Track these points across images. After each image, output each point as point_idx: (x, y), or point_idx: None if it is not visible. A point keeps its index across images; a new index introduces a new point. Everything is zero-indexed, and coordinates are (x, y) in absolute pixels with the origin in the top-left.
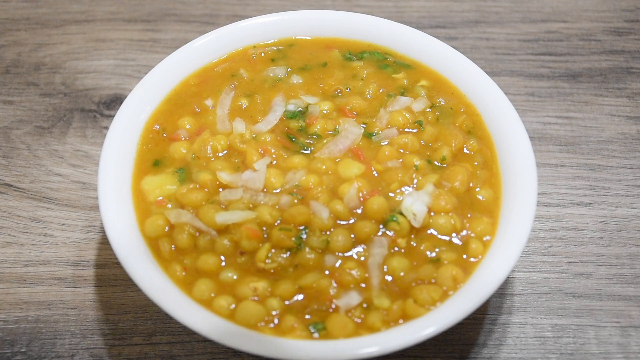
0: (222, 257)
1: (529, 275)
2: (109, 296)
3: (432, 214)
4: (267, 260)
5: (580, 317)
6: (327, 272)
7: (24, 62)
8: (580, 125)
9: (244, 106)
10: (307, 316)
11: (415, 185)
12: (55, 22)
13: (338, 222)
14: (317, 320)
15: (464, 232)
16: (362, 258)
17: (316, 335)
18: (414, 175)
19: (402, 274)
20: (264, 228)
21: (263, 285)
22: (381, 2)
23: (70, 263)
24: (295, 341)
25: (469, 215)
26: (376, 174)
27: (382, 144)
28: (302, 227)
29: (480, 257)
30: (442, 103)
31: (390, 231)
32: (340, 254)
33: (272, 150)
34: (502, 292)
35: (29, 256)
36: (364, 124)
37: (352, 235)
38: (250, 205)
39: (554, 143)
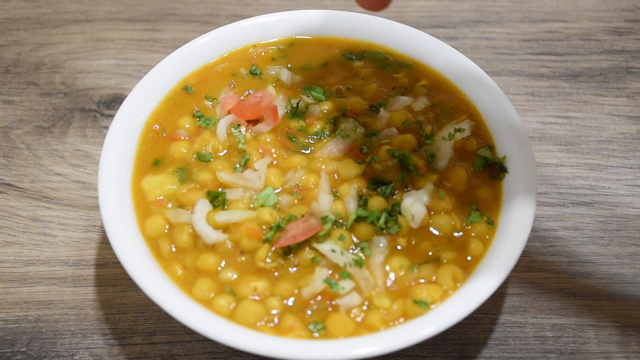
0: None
1: (529, 275)
2: (109, 296)
3: (432, 213)
4: (267, 260)
5: (580, 316)
6: (329, 272)
7: (24, 61)
8: (580, 125)
9: None
10: (307, 315)
11: (414, 185)
12: (55, 21)
13: (339, 221)
14: (317, 319)
15: (464, 232)
16: (363, 258)
17: (316, 334)
18: (414, 174)
19: (402, 273)
20: (264, 227)
21: (263, 284)
22: None
23: (70, 263)
24: (295, 341)
25: (469, 215)
26: (377, 174)
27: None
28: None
29: (480, 257)
30: (442, 103)
31: (390, 231)
32: None
33: (273, 150)
34: (502, 292)
35: (29, 256)
36: (364, 123)
37: (352, 235)
38: (251, 205)
39: (554, 143)
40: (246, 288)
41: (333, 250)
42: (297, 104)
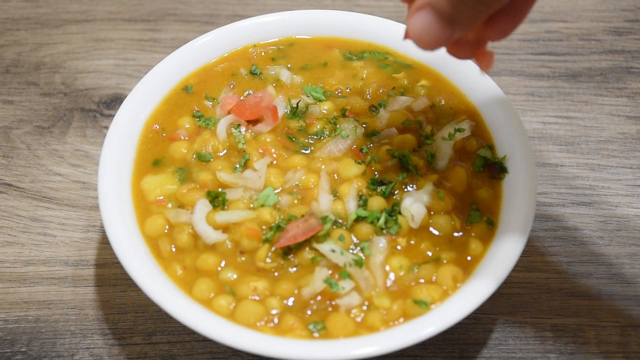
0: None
1: (529, 275)
2: (109, 296)
3: (432, 213)
4: (267, 260)
5: (580, 316)
6: (329, 272)
7: (24, 61)
8: (580, 125)
9: None
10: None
11: (414, 185)
12: (55, 21)
13: (339, 221)
14: (317, 319)
15: (464, 232)
16: (363, 258)
17: (316, 334)
18: (414, 174)
19: (402, 273)
20: (264, 227)
21: (263, 284)
22: (381, 2)
23: (70, 263)
24: (295, 341)
25: (469, 215)
26: (377, 174)
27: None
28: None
29: (480, 257)
30: (442, 103)
31: (390, 231)
32: None
33: (273, 150)
34: (502, 292)
35: (29, 256)
36: (364, 123)
37: (352, 235)
38: (251, 205)
39: (554, 143)
40: (246, 288)
41: (333, 250)
42: (297, 104)
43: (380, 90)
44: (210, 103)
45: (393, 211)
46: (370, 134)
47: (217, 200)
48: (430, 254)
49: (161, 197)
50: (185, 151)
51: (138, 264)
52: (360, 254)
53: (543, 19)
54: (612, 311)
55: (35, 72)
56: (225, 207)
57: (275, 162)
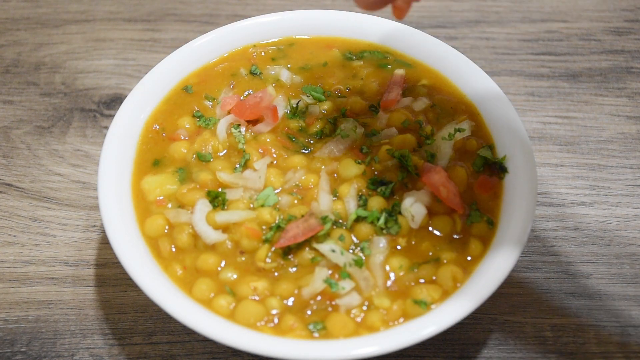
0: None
1: (529, 275)
2: (109, 296)
3: (432, 213)
4: (267, 260)
5: (580, 316)
6: (329, 272)
7: (24, 61)
8: (580, 125)
9: None
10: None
11: (414, 185)
12: (55, 21)
13: (339, 221)
14: (317, 319)
15: (464, 232)
16: (363, 258)
17: (316, 334)
18: (413, 175)
19: (402, 273)
20: (264, 227)
21: (263, 284)
22: None
23: (70, 263)
24: (295, 341)
25: (469, 215)
26: (376, 174)
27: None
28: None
29: (480, 257)
30: (442, 103)
31: (390, 231)
32: None
33: (273, 150)
34: (502, 292)
35: (29, 256)
36: (364, 123)
37: (352, 235)
38: (251, 205)
39: (554, 143)
40: (246, 288)
41: (333, 250)
42: (297, 104)
43: (380, 90)
44: (210, 103)
45: (393, 211)
46: (370, 134)
47: (217, 200)
48: (430, 254)
49: (161, 197)
50: (185, 151)
51: (138, 264)
52: (360, 254)
53: (543, 19)
54: (612, 311)
55: (35, 72)
56: (225, 207)
57: (275, 162)
